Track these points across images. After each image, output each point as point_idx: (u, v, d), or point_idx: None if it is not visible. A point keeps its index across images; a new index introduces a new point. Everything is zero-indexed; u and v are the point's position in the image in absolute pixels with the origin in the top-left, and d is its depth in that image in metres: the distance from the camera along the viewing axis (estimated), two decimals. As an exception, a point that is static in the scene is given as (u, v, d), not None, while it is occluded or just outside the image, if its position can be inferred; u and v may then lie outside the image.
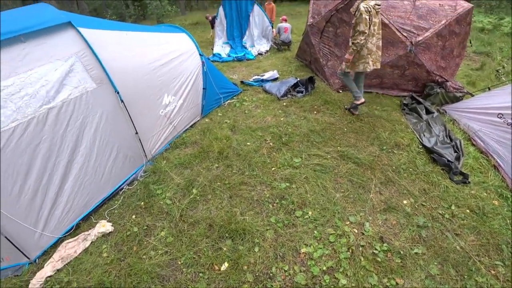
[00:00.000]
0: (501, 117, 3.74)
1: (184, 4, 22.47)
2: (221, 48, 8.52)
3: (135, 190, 3.16)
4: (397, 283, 2.19)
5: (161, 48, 3.77)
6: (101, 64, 2.82)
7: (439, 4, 4.64)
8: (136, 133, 3.24)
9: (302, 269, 2.29)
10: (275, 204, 2.88)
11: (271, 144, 3.74)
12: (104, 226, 2.71)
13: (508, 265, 2.39)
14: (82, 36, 2.74)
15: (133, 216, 2.85)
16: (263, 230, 2.59)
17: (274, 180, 3.16)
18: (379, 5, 3.72)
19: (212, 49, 8.56)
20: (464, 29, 4.90)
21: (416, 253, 2.41)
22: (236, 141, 3.87)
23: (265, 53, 8.21)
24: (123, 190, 3.16)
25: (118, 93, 2.96)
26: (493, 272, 2.32)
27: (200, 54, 4.40)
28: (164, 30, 4.30)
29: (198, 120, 4.53)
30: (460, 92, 4.64)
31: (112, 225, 2.75)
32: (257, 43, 8.66)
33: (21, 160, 2.30)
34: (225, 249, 2.45)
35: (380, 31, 3.86)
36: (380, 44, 3.89)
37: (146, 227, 2.72)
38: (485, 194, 3.04)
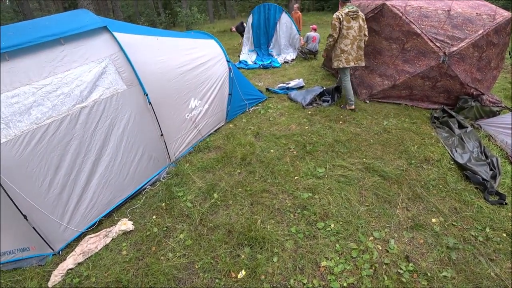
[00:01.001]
0: (543, 134, 3.50)
1: (213, 13, 23.15)
2: (247, 55, 8.63)
3: (157, 191, 3.22)
4: (423, 307, 2.07)
5: (190, 53, 3.87)
6: (132, 66, 2.93)
7: (476, 13, 4.45)
8: (161, 135, 3.32)
9: (321, 283, 2.22)
10: (296, 214, 2.83)
11: (294, 152, 3.71)
12: (125, 224, 2.78)
13: (548, 297, 2.20)
14: (116, 39, 2.87)
15: (154, 217, 2.90)
16: (283, 240, 2.54)
17: (297, 189, 3.12)
18: (353, 12, 4.30)
19: (239, 56, 8.69)
20: (503, 40, 4.66)
21: (444, 276, 2.26)
22: (260, 148, 3.87)
23: (291, 61, 8.22)
24: (146, 190, 3.24)
25: (146, 95, 3.05)
26: (531, 303, 2.15)
27: (227, 61, 4.48)
28: (193, 36, 4.42)
29: (222, 125, 4.59)
30: (497, 106, 4.39)
31: (133, 224, 2.81)
32: (284, 51, 8.70)
33: (52, 155, 2.42)
34: (243, 256, 2.43)
35: (362, 34, 4.45)
36: (362, 45, 4.50)
37: (165, 228, 2.76)
38: (524, 217, 2.83)
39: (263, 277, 2.27)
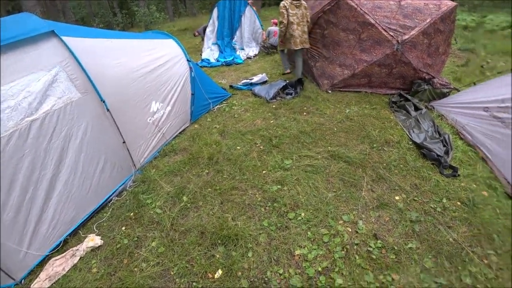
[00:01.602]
0: (487, 110, 3.84)
1: (172, 11, 22.55)
2: (209, 52, 8.58)
3: (124, 201, 3.13)
4: (393, 279, 2.22)
5: (148, 54, 3.79)
6: (85, 73, 2.82)
7: (424, 3, 4.78)
8: (124, 142, 3.23)
9: (297, 271, 2.30)
10: (267, 208, 2.89)
11: (261, 147, 3.77)
12: (93, 240, 2.67)
13: (500, 253, 2.44)
14: (65, 44, 2.74)
15: (123, 228, 2.82)
16: (256, 235, 2.59)
17: (266, 183, 3.18)
18: (297, 0, 4.99)
19: (201, 55, 8.62)
20: (448, 27, 5.04)
21: (410, 248, 2.44)
22: (226, 146, 3.89)
23: (253, 57, 8.29)
24: (112, 201, 3.13)
25: (104, 102, 2.95)
26: (486, 261, 2.37)
27: (187, 60, 4.43)
28: (150, 37, 4.33)
29: (187, 126, 4.54)
30: (447, 88, 4.75)
31: (101, 239, 2.72)
32: (247, 45, 8.74)
33: (3, 175, 2.27)
34: (218, 256, 2.44)
35: (305, 20, 5.14)
36: (306, 29, 5.20)
37: (136, 239, 2.70)
38: (474, 186, 3.10)
39: (240, 273, 2.30)
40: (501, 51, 7.20)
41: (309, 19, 5.18)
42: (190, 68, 4.47)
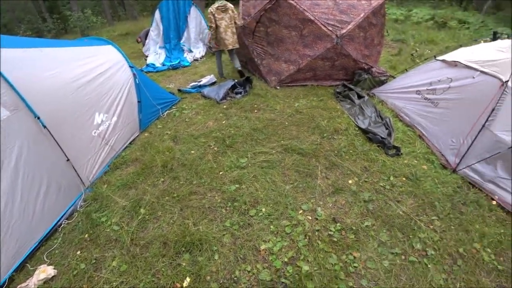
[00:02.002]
0: (419, 93, 4.28)
1: (111, 14, 21.16)
2: (155, 56, 8.29)
3: (76, 223, 2.92)
4: (354, 257, 2.38)
5: (86, 63, 3.55)
6: (13, 87, 2.56)
7: (357, 0, 5.16)
8: (68, 160, 3.00)
9: (264, 265, 2.35)
10: (228, 208, 2.90)
11: (215, 148, 3.77)
12: (44, 272, 2.44)
13: (442, 217, 2.74)
14: (-16, 59, 2.46)
15: (78, 252, 2.63)
16: (220, 236, 2.59)
17: (223, 184, 3.19)
18: (222, 5, 5.26)
19: (146, 59, 8.30)
20: (380, 20, 5.50)
21: (366, 226, 2.63)
22: (180, 151, 3.82)
23: (200, 58, 8.20)
24: (62, 225, 2.90)
25: (38, 118, 2.71)
26: (431, 226, 2.65)
27: (130, 66, 4.25)
28: (87, 44, 4.06)
29: (137, 136, 4.36)
30: (384, 75, 5.19)
31: (54, 268, 2.49)
32: (194, 46, 8.59)
33: None
34: (184, 264, 2.40)
35: (233, 22, 5.40)
36: (234, 31, 5.46)
37: (94, 261, 2.53)
38: (415, 161, 3.44)
39: (208, 277, 2.29)
40: (426, 40, 8.03)
41: (237, 21, 5.51)
42: (134, 74, 4.29)
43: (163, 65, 7.88)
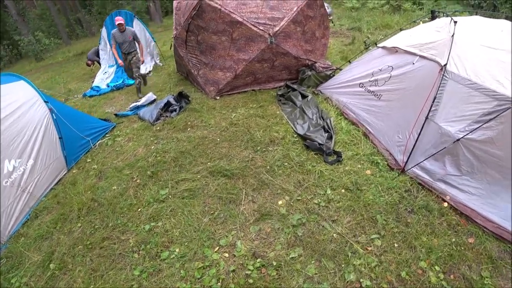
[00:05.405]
0: (362, 86, 3.97)
1: (67, 33, 20.43)
2: (102, 77, 7.90)
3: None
4: (273, 302, 2.00)
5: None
6: None
7: (288, -7, 4.85)
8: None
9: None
10: (140, 252, 2.59)
11: (138, 181, 3.37)
12: None
13: (383, 234, 2.40)
14: None
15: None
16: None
17: (140, 223, 2.85)
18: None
19: (92, 82, 7.88)
20: (318, 12, 5.21)
21: (292, 258, 2.27)
22: (101, 189, 3.43)
23: (148, 74, 7.79)
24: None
25: None
26: (369, 248, 2.30)
27: (45, 101, 3.88)
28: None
29: (65, 174, 3.94)
30: (330, 70, 4.88)
31: None
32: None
33: None
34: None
35: None
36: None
37: None
38: (358, 166, 3.11)
39: None
40: (381, 25, 7.83)
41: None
42: (50, 109, 3.90)
43: (108, 86, 7.46)
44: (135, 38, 5.84)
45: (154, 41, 8.44)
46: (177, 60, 6.19)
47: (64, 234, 2.97)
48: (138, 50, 5.92)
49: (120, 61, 5.85)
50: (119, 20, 5.61)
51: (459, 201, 2.64)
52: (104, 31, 8.15)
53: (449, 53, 2.97)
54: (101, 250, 2.69)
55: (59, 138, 3.96)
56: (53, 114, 3.94)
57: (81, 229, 2.97)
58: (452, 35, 3.07)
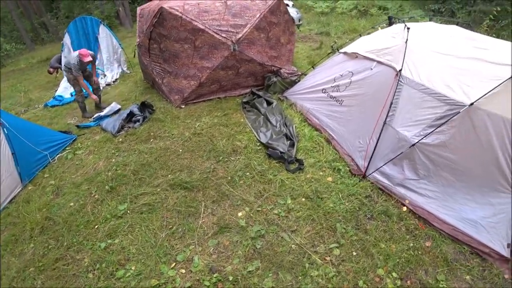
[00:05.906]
0: (324, 91, 4.03)
1: (31, 38, 19.43)
2: (66, 85, 7.56)
3: None
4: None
5: None
6: None
7: (250, 0, 4.86)
8: None
9: None
10: (95, 272, 2.48)
11: (96, 196, 3.24)
12: None
13: (342, 243, 2.43)
14: None
15: None
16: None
17: (96, 240, 2.74)
18: None
19: (56, 91, 7.54)
20: (282, 18, 5.26)
21: (250, 271, 2.25)
22: (57, 206, 3.28)
23: (114, 82, 7.57)
24: None
25: None
26: (328, 258, 2.33)
27: (-6, 116, 3.66)
28: None
29: (20, 191, 3.73)
30: (295, 75, 4.94)
31: None
32: (108, 68, 7.97)
33: None
34: None
35: None
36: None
37: None
38: (320, 173, 3.14)
39: None
40: (348, 30, 8.04)
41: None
42: (1, 124, 3.68)
43: (72, 95, 7.17)
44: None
45: (122, 48, 8.21)
46: (142, 68, 6.06)
47: (15, 256, 2.80)
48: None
49: (93, 96, 5.37)
50: (88, 57, 4.83)
51: (418, 205, 2.74)
52: (67, 37, 7.80)
53: (404, 58, 3.07)
54: (53, 271, 2.56)
55: (12, 153, 3.77)
56: (4, 129, 3.74)
57: (33, 250, 2.81)
58: (406, 41, 3.18)
